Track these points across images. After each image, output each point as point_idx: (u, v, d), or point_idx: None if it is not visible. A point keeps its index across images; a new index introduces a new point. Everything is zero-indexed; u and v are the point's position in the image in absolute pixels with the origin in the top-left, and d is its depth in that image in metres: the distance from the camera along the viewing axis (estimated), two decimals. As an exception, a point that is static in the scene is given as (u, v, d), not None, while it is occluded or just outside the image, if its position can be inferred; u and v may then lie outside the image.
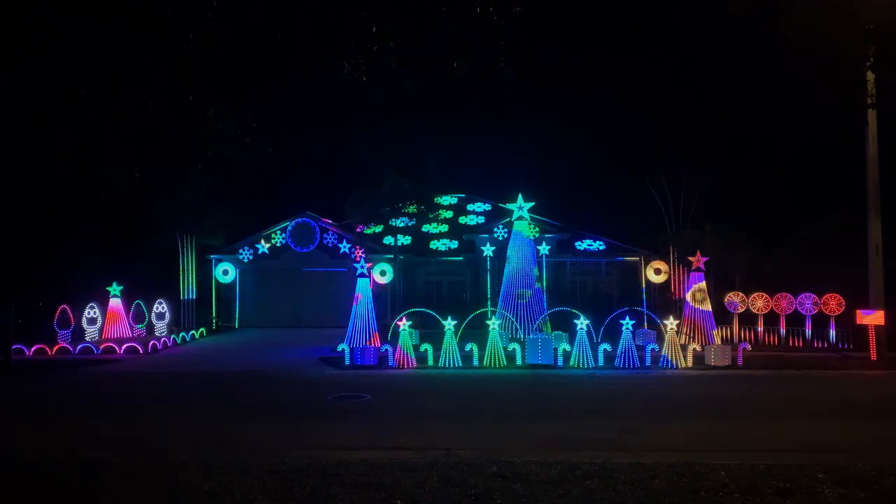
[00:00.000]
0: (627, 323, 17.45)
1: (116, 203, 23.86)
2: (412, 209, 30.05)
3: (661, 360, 17.41)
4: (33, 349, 20.87)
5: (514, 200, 23.18)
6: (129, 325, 24.39)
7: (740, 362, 17.61)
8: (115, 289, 23.92)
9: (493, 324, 18.29)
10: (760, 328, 21.82)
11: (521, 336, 20.71)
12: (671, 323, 17.62)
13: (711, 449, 9.04)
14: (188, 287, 28.04)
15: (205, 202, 28.07)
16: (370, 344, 19.45)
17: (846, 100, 15.60)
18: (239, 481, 7.37)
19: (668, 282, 27.93)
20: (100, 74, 6.63)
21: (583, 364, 17.33)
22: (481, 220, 33.04)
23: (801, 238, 27.68)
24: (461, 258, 30.74)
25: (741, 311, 21.87)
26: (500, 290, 23.13)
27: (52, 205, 24.82)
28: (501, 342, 18.06)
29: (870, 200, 19.20)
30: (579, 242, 30.43)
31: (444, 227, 32.43)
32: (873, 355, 18.19)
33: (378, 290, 24.00)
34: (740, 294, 22.08)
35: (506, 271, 23.01)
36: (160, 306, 25.55)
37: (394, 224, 30.03)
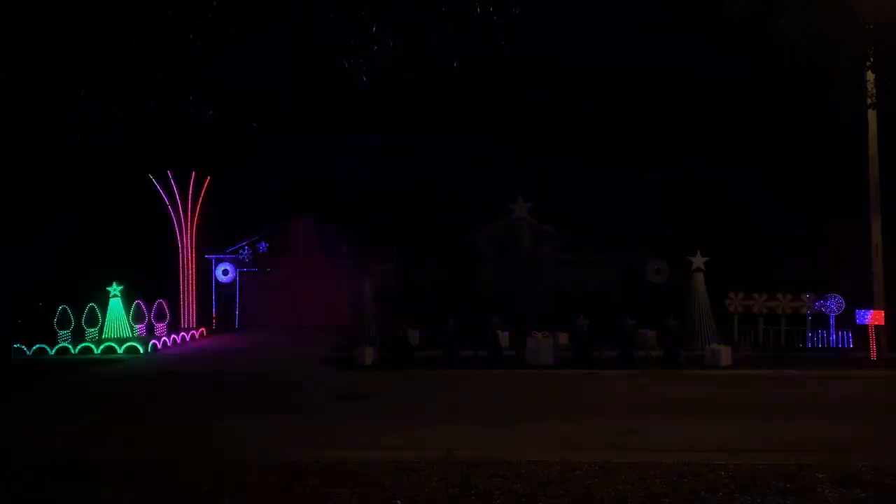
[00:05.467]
0: (627, 323, 17.45)
1: (118, 205, 23.97)
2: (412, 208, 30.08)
3: (661, 359, 17.40)
4: (33, 349, 20.87)
5: (514, 200, 23.20)
6: (129, 325, 24.37)
7: (740, 362, 17.61)
8: (114, 289, 23.89)
9: (494, 324, 18.28)
10: (760, 328, 21.81)
11: (522, 336, 20.71)
12: (671, 323, 17.61)
13: (711, 449, 9.03)
14: (188, 287, 28.02)
15: (205, 201, 28.07)
16: (370, 344, 19.43)
17: (846, 100, 15.59)
18: (239, 481, 7.38)
19: (668, 282, 27.91)
20: (100, 74, 6.63)
21: (583, 364, 17.32)
22: (481, 219, 33.00)
23: (802, 238, 27.66)
24: (461, 258, 30.71)
25: (741, 311, 21.86)
26: (500, 290, 23.14)
27: (53, 205, 24.87)
28: (501, 342, 18.05)
29: (870, 201, 19.21)
30: (579, 242, 30.40)
31: (445, 226, 32.39)
32: (873, 355, 18.19)
33: (378, 290, 24.01)
34: (740, 294, 22.06)
35: (506, 271, 23.02)
36: (160, 306, 25.53)
37: (394, 223, 30.05)
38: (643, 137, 29.68)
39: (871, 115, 18.30)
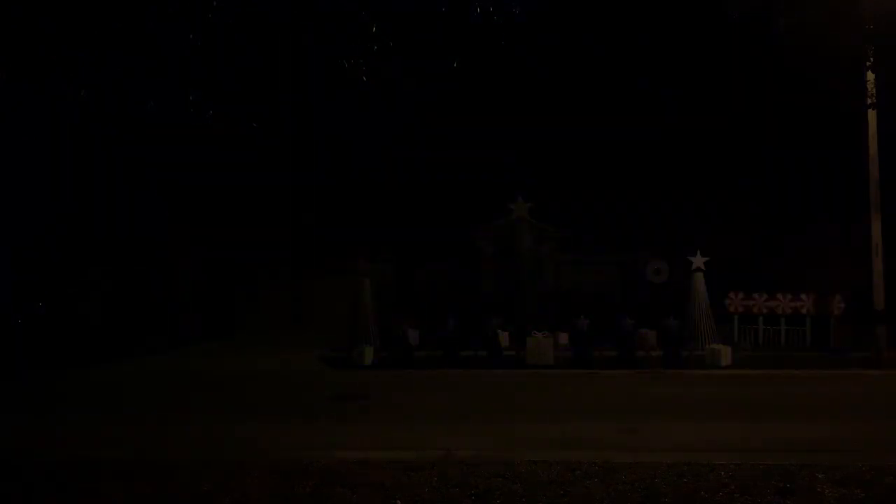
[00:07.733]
0: (627, 323, 17.46)
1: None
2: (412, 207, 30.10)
3: (661, 359, 17.41)
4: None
5: (513, 200, 23.21)
6: (129, 325, 24.39)
7: (741, 362, 17.61)
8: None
9: (494, 324, 18.29)
10: (760, 328, 21.80)
11: (522, 336, 20.71)
12: (671, 323, 17.61)
13: (711, 449, 9.02)
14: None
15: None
16: (371, 344, 19.41)
17: (846, 100, 15.60)
18: (239, 481, 7.37)
19: (668, 282, 27.89)
20: (100, 73, 6.63)
21: (583, 364, 17.33)
22: (481, 220, 32.97)
23: (802, 237, 27.67)
24: (461, 258, 30.69)
25: (741, 311, 21.86)
26: (500, 290, 23.14)
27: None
28: (501, 342, 18.07)
29: (870, 200, 19.22)
30: (579, 242, 30.37)
31: (445, 226, 32.38)
32: (873, 355, 18.19)
33: (378, 290, 24.04)
34: (740, 294, 22.06)
35: (506, 271, 23.04)
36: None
37: (394, 223, 30.05)
38: (642, 137, 29.64)
39: (871, 115, 18.31)
